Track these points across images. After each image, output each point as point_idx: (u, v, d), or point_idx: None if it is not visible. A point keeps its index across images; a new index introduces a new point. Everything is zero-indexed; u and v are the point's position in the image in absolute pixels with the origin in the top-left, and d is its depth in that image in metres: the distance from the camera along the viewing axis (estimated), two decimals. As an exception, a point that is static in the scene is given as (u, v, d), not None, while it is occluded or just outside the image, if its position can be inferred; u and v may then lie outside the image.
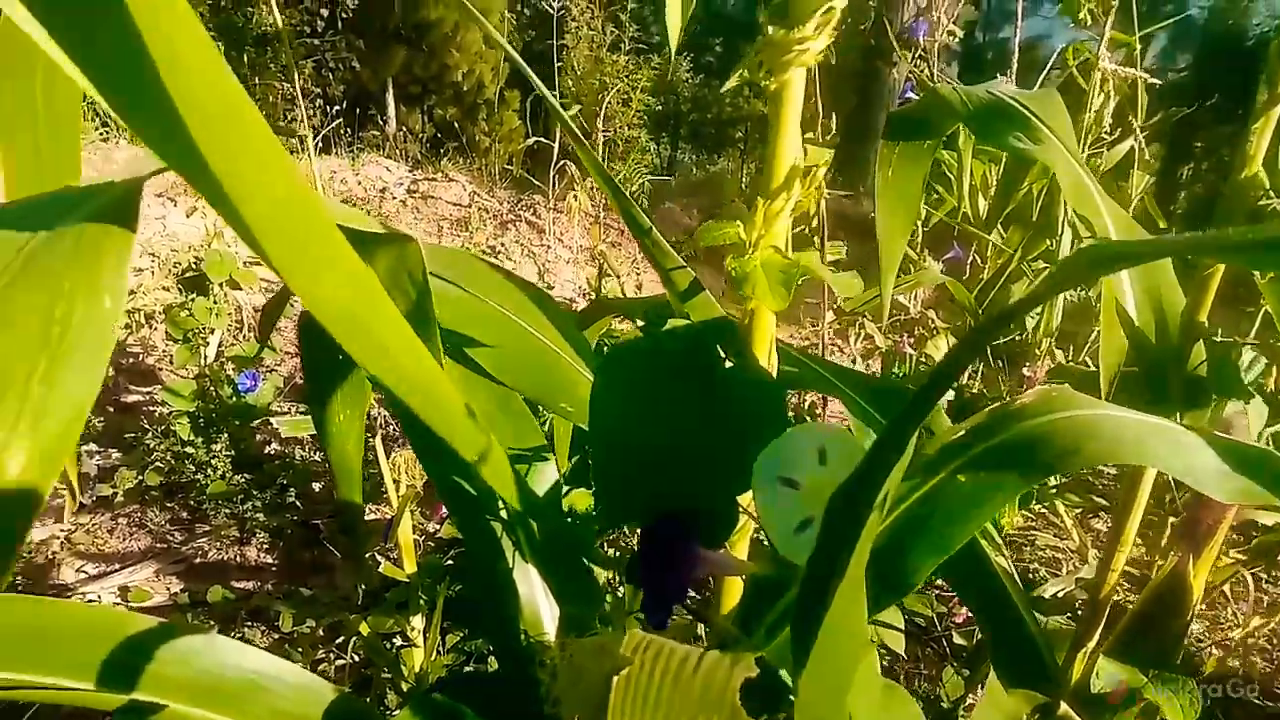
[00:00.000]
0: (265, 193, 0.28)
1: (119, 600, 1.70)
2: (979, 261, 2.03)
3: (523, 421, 0.71)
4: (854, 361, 2.30)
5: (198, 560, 1.87)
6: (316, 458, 2.29)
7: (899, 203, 0.91)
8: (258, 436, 2.34)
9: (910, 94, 2.19)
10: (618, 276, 2.34)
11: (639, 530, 0.43)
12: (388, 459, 1.26)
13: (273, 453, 2.33)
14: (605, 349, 0.80)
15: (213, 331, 2.45)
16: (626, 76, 6.46)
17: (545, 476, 0.71)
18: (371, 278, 0.33)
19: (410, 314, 0.49)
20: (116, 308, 0.28)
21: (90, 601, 1.69)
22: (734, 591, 0.57)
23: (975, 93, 0.87)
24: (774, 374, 0.54)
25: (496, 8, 9.61)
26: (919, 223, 2.00)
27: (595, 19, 6.46)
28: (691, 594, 0.57)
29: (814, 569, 0.33)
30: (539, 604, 0.68)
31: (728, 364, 0.50)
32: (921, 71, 2.33)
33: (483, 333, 0.68)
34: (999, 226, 1.83)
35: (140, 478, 2.09)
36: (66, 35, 0.26)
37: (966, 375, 2.10)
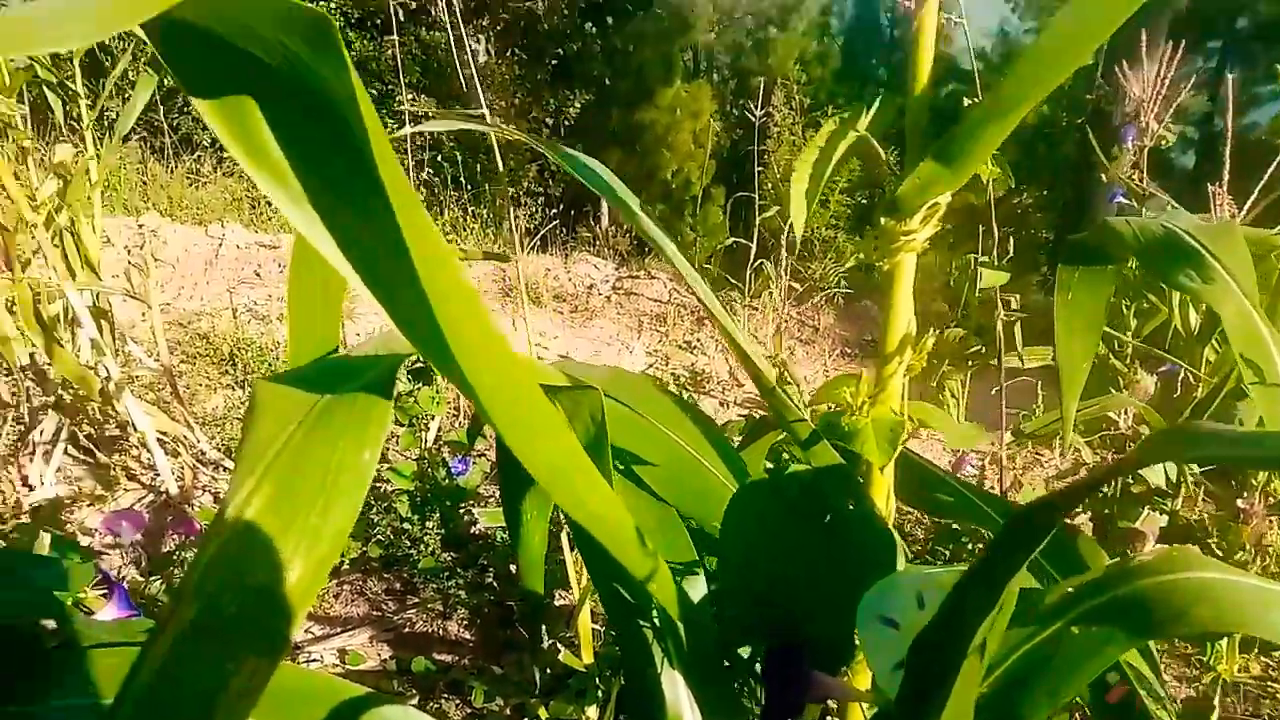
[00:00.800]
0: (489, 376, 0.38)
1: (338, 661, 1.90)
2: (1191, 379, 1.91)
3: (678, 535, 0.78)
4: (1051, 478, 2.20)
5: (406, 630, 2.06)
6: (515, 540, 2.45)
7: (1080, 325, 0.92)
8: (465, 517, 2.55)
9: (1120, 197, 2.13)
10: (797, 385, 2.39)
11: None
12: (571, 552, 1.37)
13: (477, 533, 2.53)
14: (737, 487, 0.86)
15: (433, 418, 2.72)
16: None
17: (695, 589, 0.78)
18: (565, 430, 0.43)
19: (589, 445, 0.59)
20: (373, 460, 0.39)
21: (313, 661, 1.90)
22: (858, 714, 0.61)
23: (1149, 226, 0.87)
24: (890, 517, 0.58)
25: (706, 110, 10.10)
26: (1130, 334, 1.92)
27: (796, 125, 6.68)
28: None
29: (901, 706, 0.38)
30: (683, 710, 0.74)
31: (849, 505, 0.55)
32: (1131, 178, 2.25)
33: (649, 451, 0.76)
34: (1213, 341, 1.72)
35: (364, 549, 2.33)
36: (357, 260, 0.37)
37: (1181, 498, 1.95)
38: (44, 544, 1.01)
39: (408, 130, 0.69)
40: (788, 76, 8.11)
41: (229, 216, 5.64)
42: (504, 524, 2.18)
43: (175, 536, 2.15)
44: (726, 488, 0.75)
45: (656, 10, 10.01)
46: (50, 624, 0.66)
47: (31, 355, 2.55)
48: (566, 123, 9.84)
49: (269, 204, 6.56)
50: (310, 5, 0.27)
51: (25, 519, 2.35)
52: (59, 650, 0.64)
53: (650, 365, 4.57)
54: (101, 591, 0.79)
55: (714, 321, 0.70)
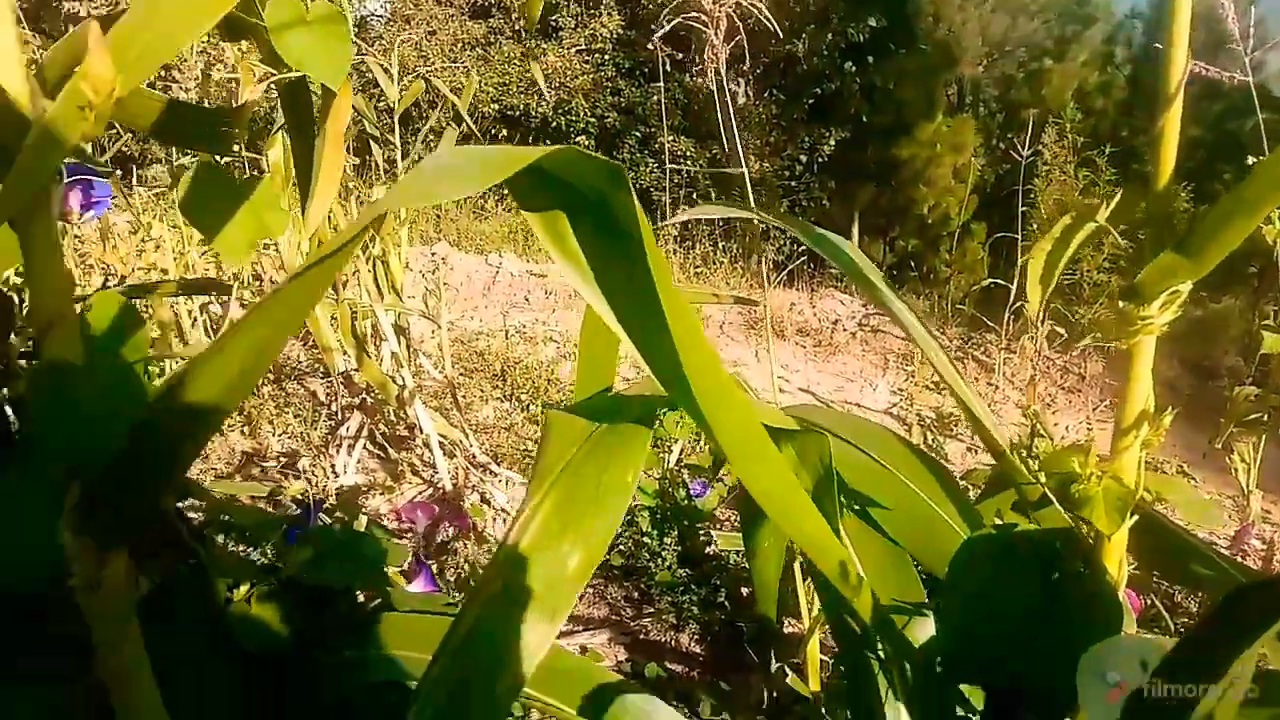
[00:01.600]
0: (725, 421, 0.48)
1: (579, 656, 2.08)
2: None
3: (908, 577, 0.83)
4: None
5: (641, 636, 2.20)
6: (746, 565, 2.54)
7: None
8: (701, 537, 2.67)
9: None
10: (1050, 439, 2.28)
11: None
12: (804, 582, 1.43)
13: (711, 554, 2.64)
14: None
15: (676, 441, 2.88)
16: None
17: (923, 630, 0.82)
18: (787, 470, 0.52)
19: (816, 485, 0.66)
20: (634, 480, 0.50)
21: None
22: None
23: None
24: (1122, 581, 0.60)
25: (969, 145, 9.71)
26: None
27: (1068, 162, 6.26)
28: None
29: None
30: (904, 742, 0.78)
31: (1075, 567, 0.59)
32: None
33: (884, 495, 0.82)
34: None
35: (607, 557, 2.52)
36: (627, 325, 0.48)
37: None
38: (361, 524, 1.24)
39: (679, 219, 0.81)
40: (1062, 111, 7.62)
41: (506, 247, 6.24)
42: (739, 548, 2.27)
43: (450, 527, 2.45)
44: (959, 536, 0.79)
45: (921, 46, 9.80)
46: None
47: (345, 363, 3.01)
48: (820, 159, 9.86)
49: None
50: (594, 155, 0.38)
51: (332, 501, 2.78)
52: (379, 610, 0.82)
53: (894, 405, 4.49)
54: (398, 569, 0.97)
55: (961, 365, 0.74)
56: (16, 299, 0.62)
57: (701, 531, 2.69)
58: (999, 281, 4.65)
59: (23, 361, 0.68)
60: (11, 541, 0.53)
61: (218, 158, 0.73)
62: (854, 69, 9.70)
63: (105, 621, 0.39)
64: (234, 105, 0.77)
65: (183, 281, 1.34)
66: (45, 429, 0.37)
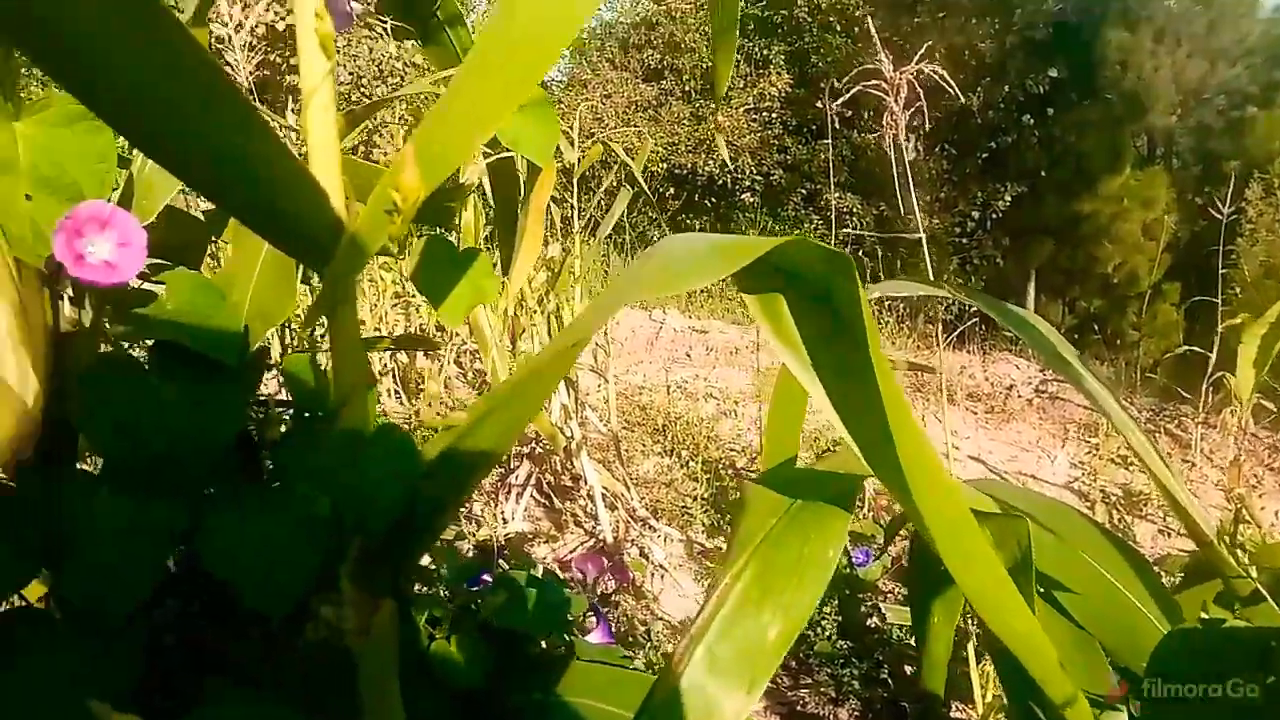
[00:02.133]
0: (932, 504, 0.48)
1: (737, 723, 2.05)
2: None
3: (1098, 666, 0.78)
4: None
5: (799, 708, 2.15)
6: (911, 642, 2.43)
7: None
8: (862, 608, 2.59)
9: None
10: (1258, 525, 2.06)
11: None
12: (976, 665, 1.36)
13: (873, 626, 2.55)
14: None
15: (838, 506, 2.82)
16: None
17: (1114, 724, 0.77)
18: (992, 555, 0.51)
19: (1013, 568, 0.64)
20: (835, 556, 0.51)
21: None
22: None
23: None
24: None
25: (1161, 199, 9.12)
26: None
27: (1277, 221, 5.74)
28: None
29: None
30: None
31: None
32: None
33: (1072, 579, 0.78)
34: None
35: (765, 622, 2.48)
36: (839, 405, 0.49)
37: None
38: (538, 572, 1.29)
39: (874, 294, 0.81)
40: (1269, 163, 7.01)
41: (669, 303, 6.35)
42: (906, 623, 2.18)
43: (611, 580, 2.49)
44: (1155, 627, 0.74)
45: (1106, 96, 9.33)
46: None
47: (519, 414, 3.15)
48: (994, 215, 9.52)
49: (704, 293, 7.27)
50: (822, 245, 0.40)
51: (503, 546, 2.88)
52: (563, 657, 0.85)
53: (1075, 480, 4.21)
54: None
55: (1153, 439, 0.71)
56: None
57: (864, 602, 2.60)
58: (1195, 348, 4.30)
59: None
60: (267, 572, 0.59)
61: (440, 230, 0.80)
62: (1032, 121, 9.36)
63: (373, 661, 0.43)
64: (456, 184, 0.84)
65: (399, 338, 1.46)
66: (336, 491, 0.43)
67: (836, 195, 8.92)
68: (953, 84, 1.39)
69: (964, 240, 9.66)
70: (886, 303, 7.44)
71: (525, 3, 0.36)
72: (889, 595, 2.73)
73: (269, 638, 0.66)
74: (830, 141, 7.93)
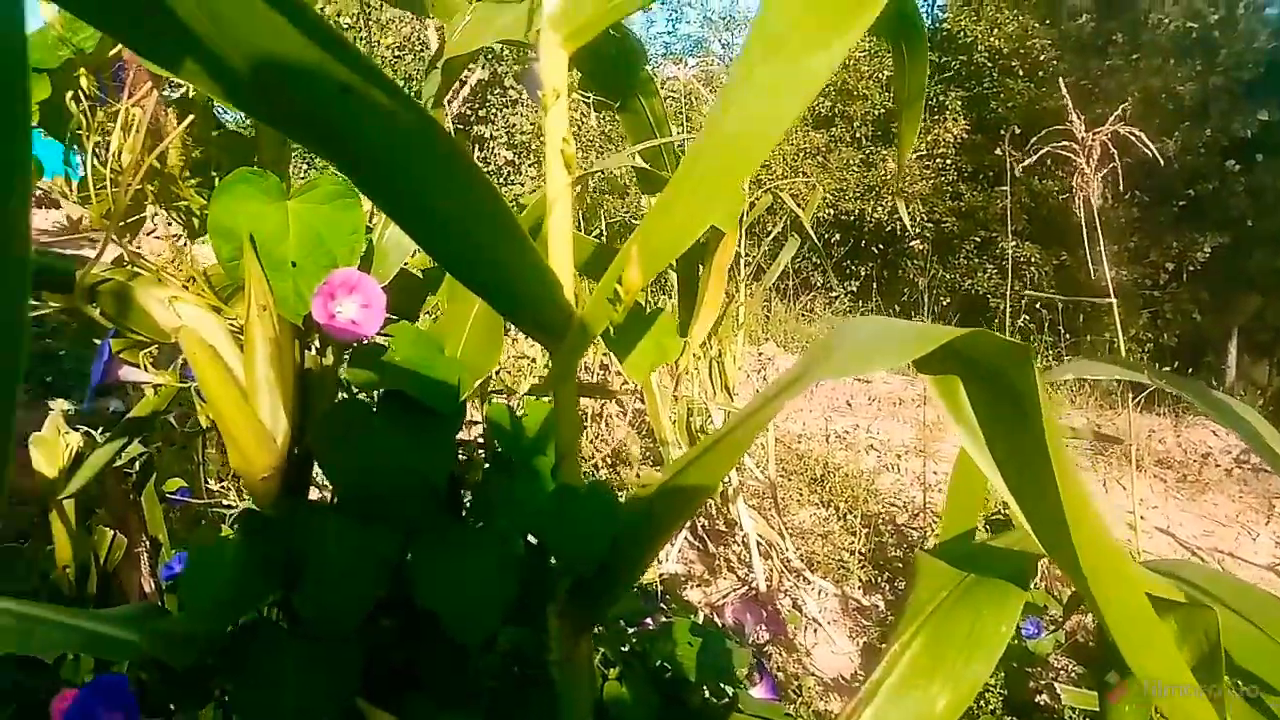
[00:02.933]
0: (1107, 588, 0.48)
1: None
2: None
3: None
4: None
5: (959, 783, 2.05)
6: (1084, 724, 2.27)
7: None
8: (1031, 683, 2.44)
9: None
10: None
11: None
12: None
13: (1043, 704, 2.40)
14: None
15: (1007, 572, 2.68)
16: None
17: None
18: (1171, 646, 0.50)
19: (1199, 663, 0.62)
20: (1008, 632, 0.51)
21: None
22: None
23: None
24: None
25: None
26: None
27: None
28: None
29: None
30: None
31: None
32: None
33: (1276, 676, 0.74)
34: None
35: (925, 689, 2.39)
36: (1014, 487, 0.50)
37: None
38: (698, 618, 1.32)
39: (1060, 376, 0.81)
40: None
41: (831, 349, 6.27)
42: (1083, 705, 2.06)
43: (762, 629, 2.48)
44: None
45: (1325, 141, 8.52)
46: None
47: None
48: (1191, 267, 8.82)
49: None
50: (1002, 337, 0.42)
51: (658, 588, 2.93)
52: (727, 709, 0.87)
53: (1281, 561, 3.81)
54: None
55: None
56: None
57: (1032, 677, 2.46)
58: None
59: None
60: (466, 603, 0.66)
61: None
62: (1237, 168, 8.64)
63: (572, 688, 0.48)
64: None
65: (584, 386, 1.54)
66: (552, 539, 0.48)
67: (1013, 244, 8.55)
68: (1150, 144, 1.34)
69: (1155, 293, 8.99)
70: (1065, 359, 7.03)
71: (734, 112, 0.41)
72: (1061, 672, 2.57)
73: (465, 659, 0.72)
74: (1008, 188, 7.63)
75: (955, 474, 0.76)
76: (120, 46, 0.60)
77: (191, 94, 0.63)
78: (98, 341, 0.73)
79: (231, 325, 0.70)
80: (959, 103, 9.44)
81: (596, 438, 3.69)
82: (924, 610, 0.55)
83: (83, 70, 0.58)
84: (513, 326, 0.70)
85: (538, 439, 0.78)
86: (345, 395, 0.76)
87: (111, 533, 1.38)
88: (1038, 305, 8.22)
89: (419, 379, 0.71)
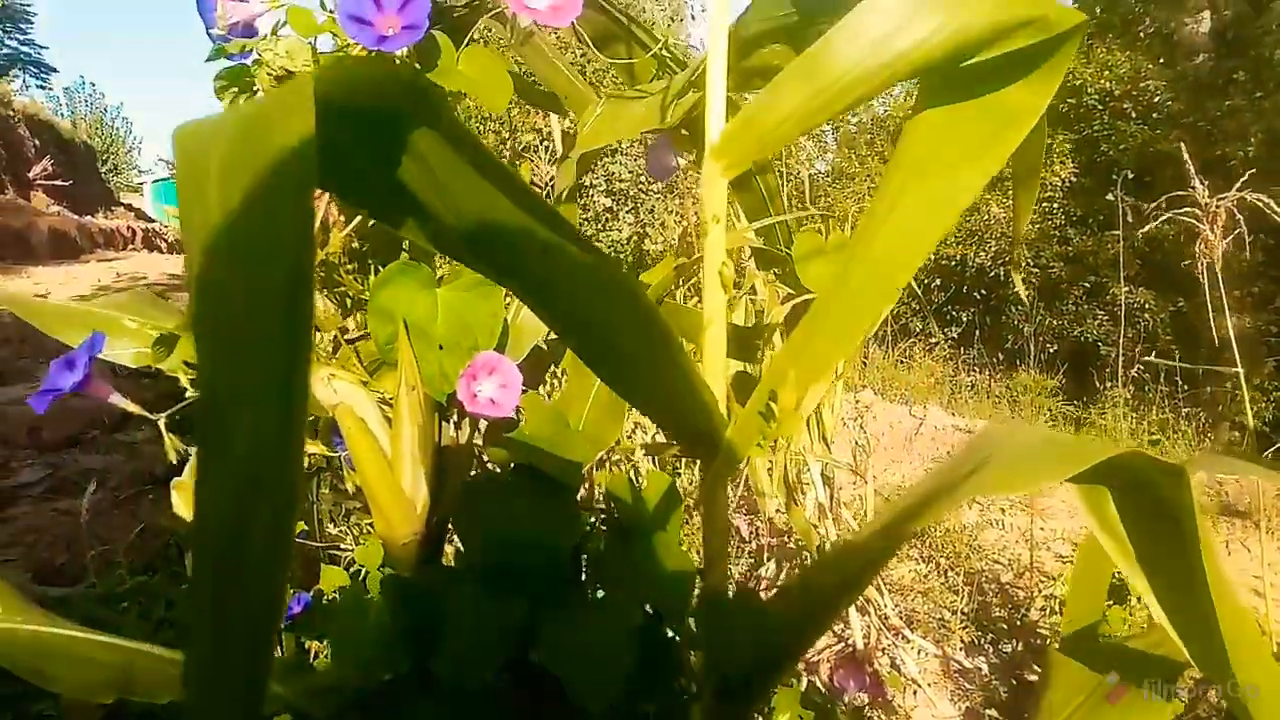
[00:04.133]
0: (1267, 694, 0.47)
1: None
2: None
3: None
4: None
5: None
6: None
7: None
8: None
9: None
10: None
11: None
12: None
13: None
14: None
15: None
16: None
17: None
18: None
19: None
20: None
21: None
22: None
23: None
24: None
25: None
26: None
27: None
28: None
29: None
30: None
31: None
32: None
33: None
34: None
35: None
36: (1168, 606, 0.49)
37: None
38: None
39: (1198, 472, 0.78)
40: None
41: (931, 398, 6.13)
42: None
43: (859, 693, 2.41)
44: None
45: None
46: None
47: (775, 509, 3.18)
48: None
49: (970, 389, 6.93)
50: (1158, 459, 0.41)
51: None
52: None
53: None
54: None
55: None
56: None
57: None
58: None
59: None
60: (590, 671, 0.68)
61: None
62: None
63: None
64: (763, 324, 0.92)
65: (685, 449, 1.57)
66: (706, 644, 0.50)
67: (1126, 290, 8.20)
68: (1278, 209, 1.29)
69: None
70: (1183, 410, 6.69)
71: (881, 235, 0.42)
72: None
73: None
74: (1120, 232, 7.34)
75: (1080, 562, 0.74)
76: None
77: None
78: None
79: (377, 395, 0.75)
80: (1067, 145, 9.17)
81: (690, 482, 3.69)
82: (1059, 714, 0.54)
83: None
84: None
85: (658, 511, 0.80)
86: (479, 467, 0.80)
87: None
88: (1153, 353, 7.84)
89: (547, 454, 0.74)
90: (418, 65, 0.69)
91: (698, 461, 0.62)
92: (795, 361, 0.44)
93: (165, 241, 15.09)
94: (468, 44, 0.71)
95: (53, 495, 3.32)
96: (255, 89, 0.68)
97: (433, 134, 0.28)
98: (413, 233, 0.33)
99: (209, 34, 0.70)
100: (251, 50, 0.70)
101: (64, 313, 0.75)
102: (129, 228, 14.44)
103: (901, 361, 7.16)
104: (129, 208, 18.62)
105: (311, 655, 1.32)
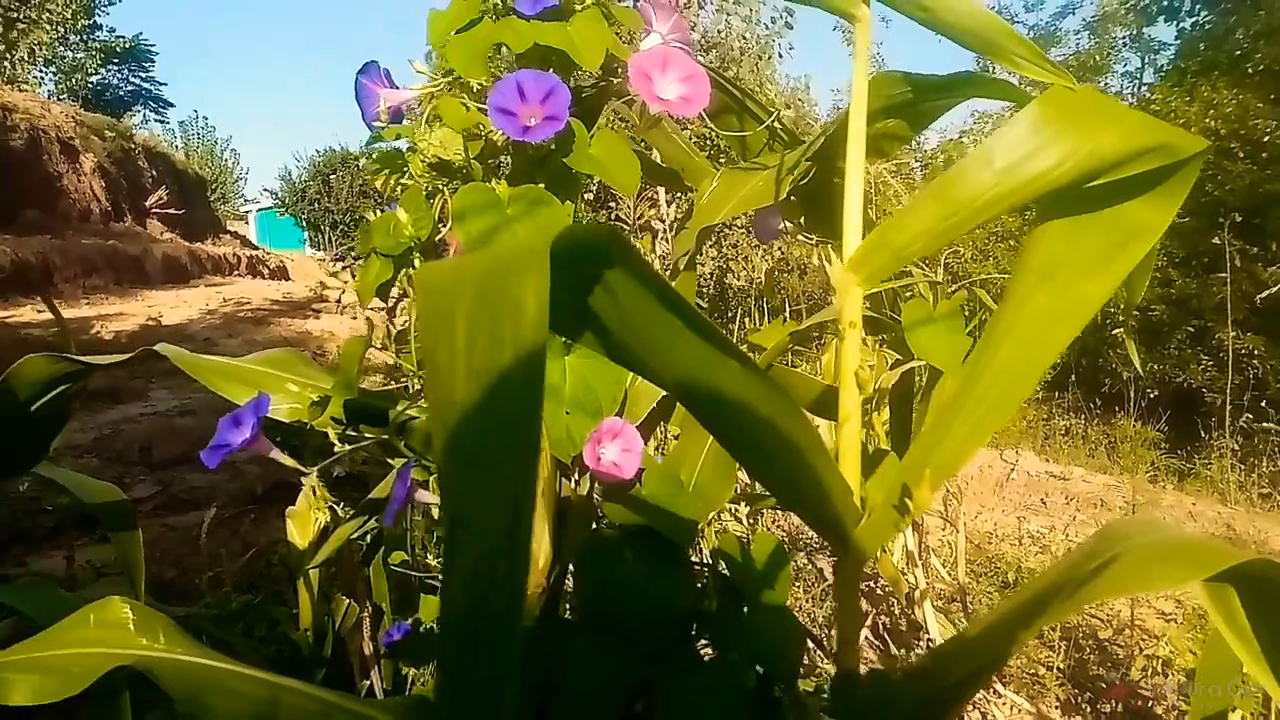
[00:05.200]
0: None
1: None
2: None
3: None
4: None
5: None
6: None
7: None
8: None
9: None
10: None
11: None
12: None
13: None
14: None
15: None
16: None
17: None
18: None
19: None
20: None
21: None
22: None
23: None
24: None
25: None
26: None
27: None
28: None
29: None
30: None
31: None
32: None
33: None
34: None
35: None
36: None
37: None
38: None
39: None
40: None
41: (1024, 443, 5.96)
42: None
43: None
44: None
45: None
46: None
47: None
48: None
49: (1064, 434, 6.70)
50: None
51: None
52: None
53: None
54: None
55: None
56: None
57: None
58: None
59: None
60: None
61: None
62: None
63: None
64: (874, 389, 0.94)
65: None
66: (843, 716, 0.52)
67: (1233, 334, 7.83)
68: None
69: None
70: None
71: (1008, 341, 0.45)
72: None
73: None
74: (1228, 275, 7.04)
75: (1204, 658, 0.73)
76: (445, 232, 0.71)
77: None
78: (392, 461, 0.85)
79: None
80: (1170, 184, 8.84)
81: (791, 524, 3.67)
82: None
83: (417, 253, 0.70)
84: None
85: (766, 570, 0.82)
86: (596, 522, 0.83)
87: (347, 601, 1.52)
88: (1263, 404, 7.44)
89: (663, 514, 0.78)
90: (552, 148, 0.74)
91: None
92: (928, 459, 0.46)
93: (267, 268, 15.81)
94: (597, 128, 0.76)
95: (163, 512, 3.51)
96: (406, 171, 0.74)
97: (624, 272, 0.32)
98: (589, 343, 0.37)
99: (365, 121, 0.77)
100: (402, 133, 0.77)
101: (223, 369, 0.82)
102: (234, 254, 15.18)
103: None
104: (235, 235, 19.58)
105: (409, 683, 1.38)
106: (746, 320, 5.40)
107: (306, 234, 24.30)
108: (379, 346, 0.74)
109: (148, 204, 14.19)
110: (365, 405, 0.76)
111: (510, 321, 0.27)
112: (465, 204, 0.65)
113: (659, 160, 0.96)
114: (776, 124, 0.99)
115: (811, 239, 1.04)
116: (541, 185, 0.71)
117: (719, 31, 11.21)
